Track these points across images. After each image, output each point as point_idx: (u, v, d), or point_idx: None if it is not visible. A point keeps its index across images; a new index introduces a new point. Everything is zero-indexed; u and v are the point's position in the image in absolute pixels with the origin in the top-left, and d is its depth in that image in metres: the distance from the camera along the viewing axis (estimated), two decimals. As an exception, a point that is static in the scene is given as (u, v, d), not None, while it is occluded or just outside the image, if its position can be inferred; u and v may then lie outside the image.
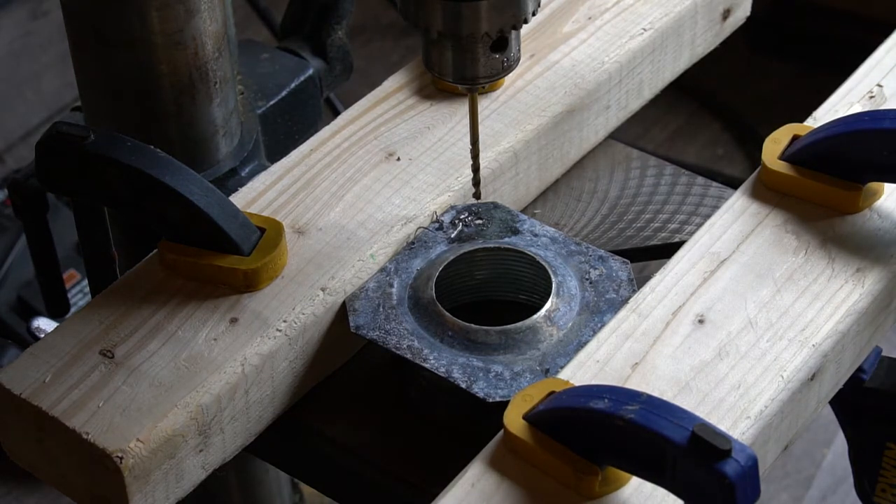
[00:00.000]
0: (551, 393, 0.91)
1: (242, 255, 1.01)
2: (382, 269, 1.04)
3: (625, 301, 1.00)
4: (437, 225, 1.07)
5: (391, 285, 1.03)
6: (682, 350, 0.96)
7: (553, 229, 1.08)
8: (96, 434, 0.92)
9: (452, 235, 1.06)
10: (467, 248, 1.05)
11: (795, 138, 1.08)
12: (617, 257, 1.04)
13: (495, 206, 1.09)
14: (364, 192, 1.09)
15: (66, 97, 2.60)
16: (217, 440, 0.97)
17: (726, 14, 1.28)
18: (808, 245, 1.03)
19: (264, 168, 1.15)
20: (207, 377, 0.96)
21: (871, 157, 1.02)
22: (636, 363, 0.95)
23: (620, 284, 1.02)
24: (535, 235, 1.07)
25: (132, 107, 1.11)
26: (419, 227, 1.07)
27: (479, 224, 1.07)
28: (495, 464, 0.90)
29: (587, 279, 1.03)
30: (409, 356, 0.99)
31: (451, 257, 1.04)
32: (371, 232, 1.06)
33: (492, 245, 1.06)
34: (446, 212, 1.08)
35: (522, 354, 0.98)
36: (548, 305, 1.00)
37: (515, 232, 1.07)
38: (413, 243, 1.06)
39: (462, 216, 1.08)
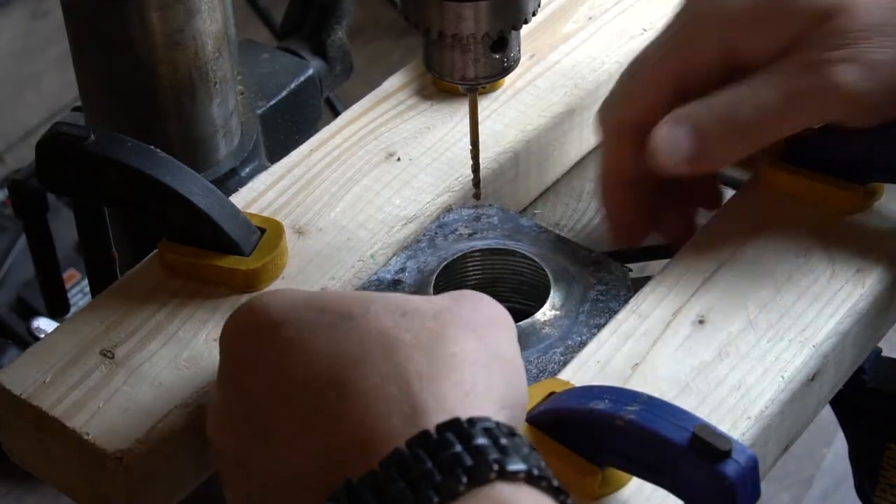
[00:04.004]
0: (551, 394, 0.91)
1: (243, 255, 1.01)
2: (378, 271, 1.04)
3: (625, 302, 1.00)
4: (435, 226, 1.07)
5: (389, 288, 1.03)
6: (683, 351, 0.96)
7: (553, 230, 1.07)
8: (96, 434, 0.92)
9: (451, 237, 1.06)
10: (465, 249, 1.05)
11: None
12: (616, 262, 1.04)
13: (494, 206, 1.09)
14: (364, 192, 1.09)
15: (66, 97, 2.61)
16: (217, 440, 0.97)
17: (726, 14, 1.28)
18: (808, 245, 1.02)
19: (264, 168, 1.15)
20: (208, 378, 0.95)
21: (871, 157, 1.02)
22: (636, 364, 0.95)
23: (620, 285, 1.02)
24: (536, 236, 1.07)
25: (132, 107, 1.11)
26: (417, 232, 1.07)
27: (478, 225, 1.07)
28: (495, 465, 0.90)
29: (587, 280, 1.03)
30: None
31: (450, 259, 1.04)
32: (371, 232, 1.06)
33: (490, 246, 1.06)
34: (444, 213, 1.08)
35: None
36: (547, 306, 1.00)
37: (516, 232, 1.07)
38: (409, 246, 1.06)
39: (460, 217, 1.08)
